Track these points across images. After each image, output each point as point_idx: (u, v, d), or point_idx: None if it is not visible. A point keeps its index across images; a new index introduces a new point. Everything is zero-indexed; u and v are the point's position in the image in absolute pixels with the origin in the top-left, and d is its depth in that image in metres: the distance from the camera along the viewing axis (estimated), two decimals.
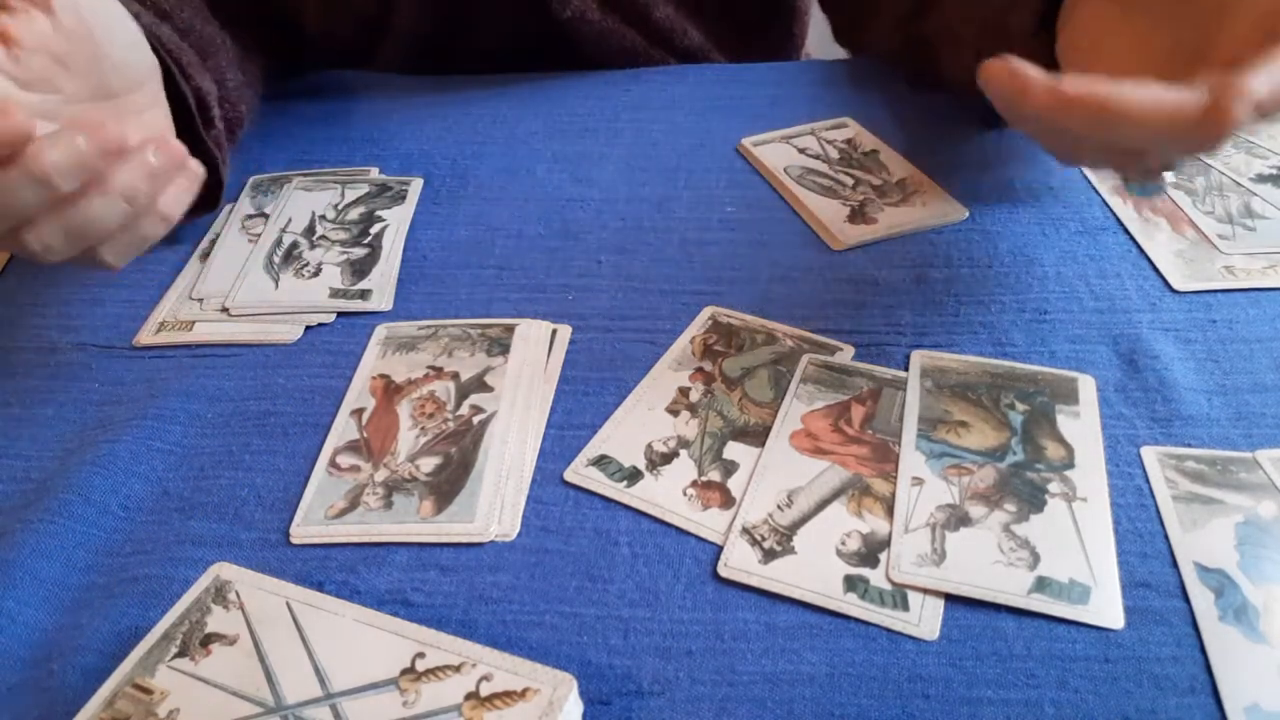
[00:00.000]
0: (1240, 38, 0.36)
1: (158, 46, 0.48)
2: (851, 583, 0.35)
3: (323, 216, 0.56)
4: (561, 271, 0.51)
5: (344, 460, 0.41)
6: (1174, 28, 0.39)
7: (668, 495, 0.39)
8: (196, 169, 0.44)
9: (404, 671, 0.32)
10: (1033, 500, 0.37)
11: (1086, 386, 0.42)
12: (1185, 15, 0.39)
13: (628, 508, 0.39)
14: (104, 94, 0.43)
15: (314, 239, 0.54)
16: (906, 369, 0.44)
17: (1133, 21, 0.41)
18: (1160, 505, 0.37)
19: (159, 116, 0.47)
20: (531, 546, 0.38)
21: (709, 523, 0.38)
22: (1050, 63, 0.47)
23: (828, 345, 0.45)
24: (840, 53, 0.77)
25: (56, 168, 0.37)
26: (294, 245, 0.53)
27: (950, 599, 0.35)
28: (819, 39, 0.79)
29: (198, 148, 0.52)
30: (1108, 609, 0.34)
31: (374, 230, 0.55)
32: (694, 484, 0.39)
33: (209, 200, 0.54)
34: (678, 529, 0.38)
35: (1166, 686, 0.32)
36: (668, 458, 0.40)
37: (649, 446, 0.41)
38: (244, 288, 0.50)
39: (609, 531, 0.38)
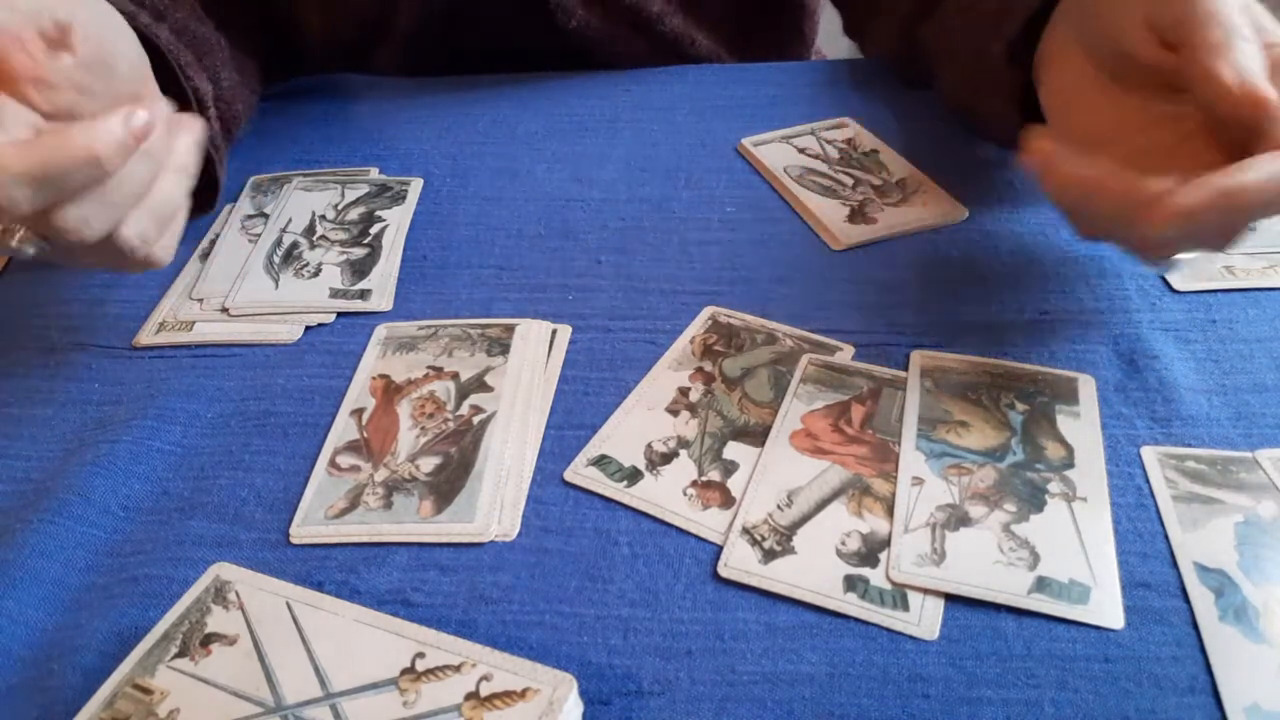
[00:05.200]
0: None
1: (157, 47, 0.48)
2: (851, 583, 0.35)
3: (323, 216, 0.56)
4: (561, 271, 0.51)
5: (344, 460, 0.41)
6: (1145, 95, 0.41)
7: (668, 495, 0.39)
8: (194, 120, 0.43)
9: (404, 671, 0.32)
10: (1033, 500, 0.37)
11: (1086, 386, 0.42)
12: (1153, 83, 0.40)
13: (628, 508, 0.39)
14: (113, 105, 0.43)
15: (314, 239, 0.54)
16: (906, 369, 0.44)
17: (1109, 85, 0.43)
18: (1160, 505, 0.37)
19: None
20: (531, 546, 0.38)
21: (709, 523, 0.38)
22: (1021, 93, 0.48)
23: (828, 345, 0.45)
24: (846, 51, 0.77)
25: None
26: (294, 245, 0.53)
27: (950, 599, 0.35)
28: (826, 35, 0.79)
29: None
30: (1108, 609, 0.34)
31: (374, 230, 0.55)
32: (694, 484, 0.39)
33: (206, 201, 0.54)
34: (678, 529, 0.38)
35: (1166, 686, 0.32)
36: (668, 458, 0.40)
37: (649, 446, 0.41)
38: (244, 288, 0.50)
39: (609, 531, 0.38)
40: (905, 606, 0.34)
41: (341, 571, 0.37)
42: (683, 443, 0.41)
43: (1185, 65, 0.37)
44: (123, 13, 0.47)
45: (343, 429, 0.43)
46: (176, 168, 0.42)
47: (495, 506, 0.39)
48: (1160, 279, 0.48)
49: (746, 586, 0.36)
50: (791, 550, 0.36)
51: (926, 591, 0.35)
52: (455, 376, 0.45)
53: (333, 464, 0.41)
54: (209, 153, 0.52)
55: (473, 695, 0.31)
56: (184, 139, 0.42)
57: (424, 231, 0.55)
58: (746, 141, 0.60)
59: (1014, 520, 0.37)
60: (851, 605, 0.34)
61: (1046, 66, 0.46)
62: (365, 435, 0.42)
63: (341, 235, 0.54)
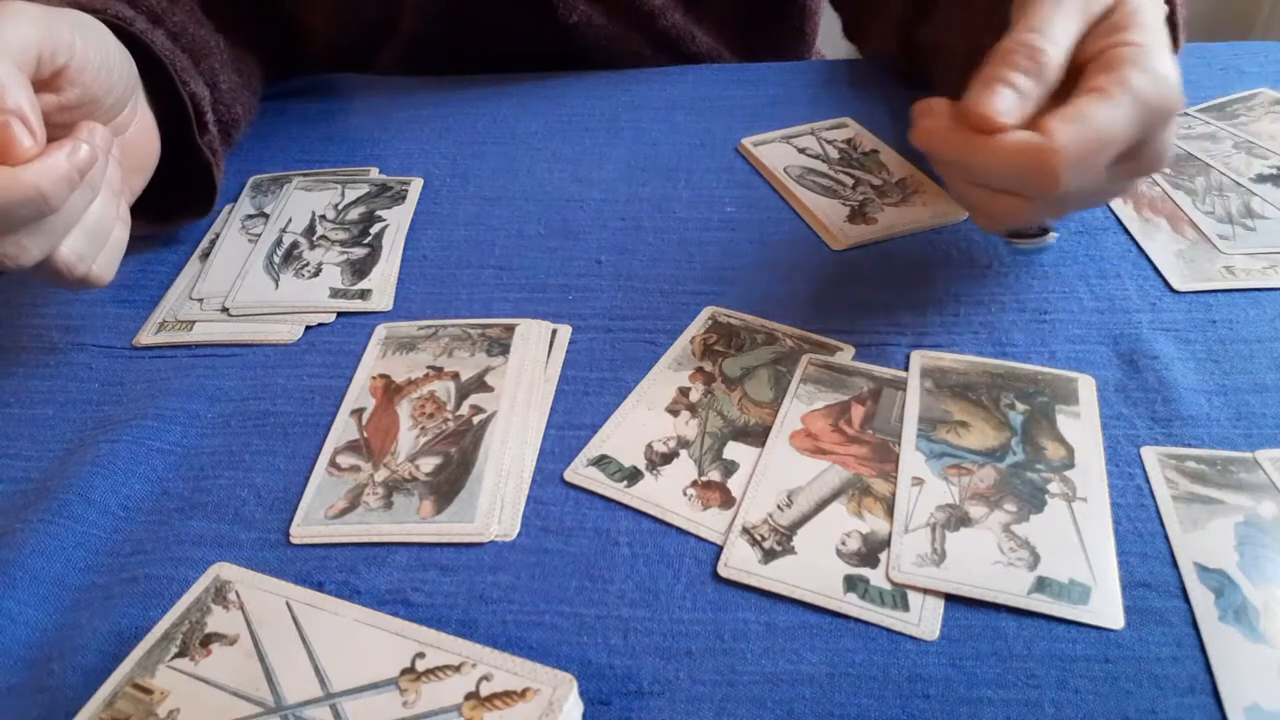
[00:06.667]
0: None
1: (152, 53, 0.48)
2: (851, 583, 0.35)
3: (323, 216, 0.56)
4: (561, 271, 0.51)
5: (344, 460, 0.41)
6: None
7: (668, 495, 0.39)
8: (104, 134, 0.43)
9: (404, 671, 0.32)
10: (1033, 500, 0.37)
11: (1086, 386, 0.42)
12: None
13: (628, 508, 0.39)
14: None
15: (314, 239, 0.54)
16: (906, 369, 0.44)
17: None
18: (1160, 505, 0.37)
19: (144, 128, 0.48)
20: (531, 546, 0.38)
21: (709, 523, 0.38)
22: None
23: (828, 345, 0.45)
24: (846, 51, 0.77)
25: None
26: (294, 245, 0.53)
27: (950, 599, 0.35)
28: (826, 35, 0.79)
29: (191, 151, 0.52)
30: (1108, 609, 0.34)
31: (374, 230, 0.55)
32: (694, 484, 0.39)
33: (203, 204, 0.54)
34: (678, 529, 0.38)
35: (1166, 686, 0.32)
36: (668, 458, 0.40)
37: (649, 446, 0.41)
38: (244, 288, 0.50)
39: (609, 531, 0.38)
40: (905, 606, 0.34)
41: (341, 571, 0.37)
42: (683, 443, 0.41)
43: None
44: (118, 18, 0.47)
45: (343, 429, 0.43)
46: (104, 187, 0.42)
47: (495, 506, 0.39)
48: (1160, 279, 0.48)
49: (746, 586, 0.36)
50: (791, 550, 0.36)
51: (926, 591, 0.35)
52: (455, 376, 0.45)
53: (333, 464, 0.41)
54: (206, 156, 0.52)
55: (473, 695, 0.31)
56: (110, 162, 0.43)
57: (424, 231, 0.55)
58: (746, 141, 0.60)
59: (1014, 520, 0.37)
60: (851, 605, 0.34)
61: None
62: (365, 435, 0.42)
63: (342, 235, 0.54)
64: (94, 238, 0.42)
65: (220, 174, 0.54)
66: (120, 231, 0.45)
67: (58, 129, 0.40)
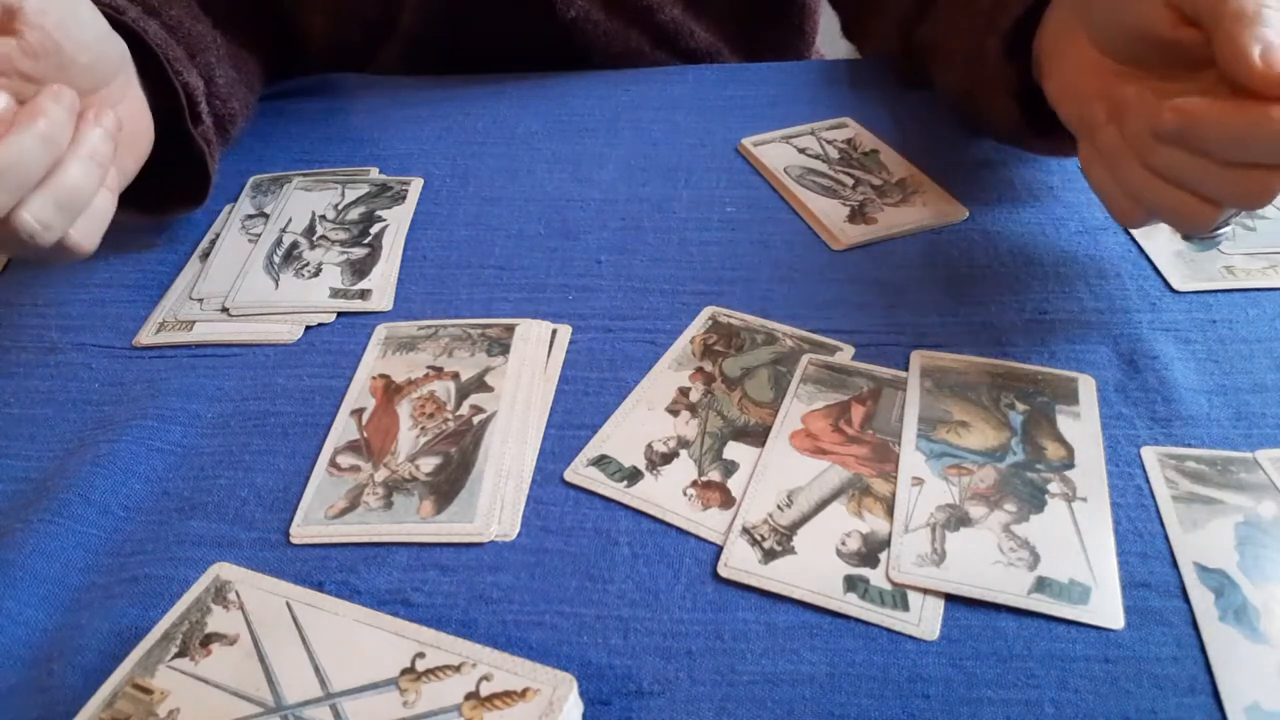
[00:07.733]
0: None
1: (146, 44, 0.48)
2: (851, 583, 0.35)
3: (323, 216, 0.56)
4: (561, 271, 0.51)
5: (344, 460, 0.41)
6: (1159, 77, 0.39)
7: (668, 495, 0.39)
8: (106, 112, 0.43)
9: (404, 671, 0.32)
10: (1033, 500, 0.37)
11: (1086, 386, 0.42)
12: (1168, 63, 0.39)
13: (628, 508, 0.39)
14: None
15: (314, 239, 0.54)
16: (906, 369, 0.44)
17: (1120, 69, 0.41)
18: (1160, 505, 0.37)
19: (136, 109, 0.47)
20: (531, 546, 0.38)
21: (709, 523, 0.38)
22: (1019, 90, 0.48)
23: (828, 345, 0.45)
24: (846, 51, 0.77)
25: (56, 123, 0.39)
26: (294, 245, 0.53)
27: (950, 599, 0.35)
28: (826, 35, 0.79)
29: (185, 143, 0.52)
30: (1108, 609, 0.34)
31: (374, 230, 0.55)
32: (694, 484, 0.39)
33: (197, 195, 0.54)
34: (678, 529, 0.38)
35: (1166, 686, 0.32)
36: (668, 458, 0.40)
37: (649, 446, 0.41)
38: (244, 288, 0.50)
39: (609, 531, 0.38)
40: (905, 606, 0.34)
41: (341, 571, 0.37)
42: (683, 443, 0.41)
43: (1210, 38, 0.35)
44: (110, 7, 0.47)
45: (343, 429, 0.43)
46: (86, 155, 0.41)
47: (495, 506, 0.39)
48: (1160, 279, 0.48)
49: (746, 586, 0.36)
50: (791, 550, 0.36)
51: (926, 591, 0.35)
52: (455, 376, 0.45)
53: (333, 464, 0.41)
54: (201, 147, 0.52)
55: (473, 695, 0.31)
56: (96, 130, 0.42)
57: (424, 231, 0.55)
58: (746, 141, 0.60)
59: (1014, 520, 0.37)
60: (851, 605, 0.34)
61: (1049, 57, 0.45)
62: (365, 435, 0.42)
63: (342, 235, 0.54)
64: (64, 206, 0.40)
65: (215, 165, 0.53)
66: (104, 200, 0.43)
67: (30, 81, 0.40)
